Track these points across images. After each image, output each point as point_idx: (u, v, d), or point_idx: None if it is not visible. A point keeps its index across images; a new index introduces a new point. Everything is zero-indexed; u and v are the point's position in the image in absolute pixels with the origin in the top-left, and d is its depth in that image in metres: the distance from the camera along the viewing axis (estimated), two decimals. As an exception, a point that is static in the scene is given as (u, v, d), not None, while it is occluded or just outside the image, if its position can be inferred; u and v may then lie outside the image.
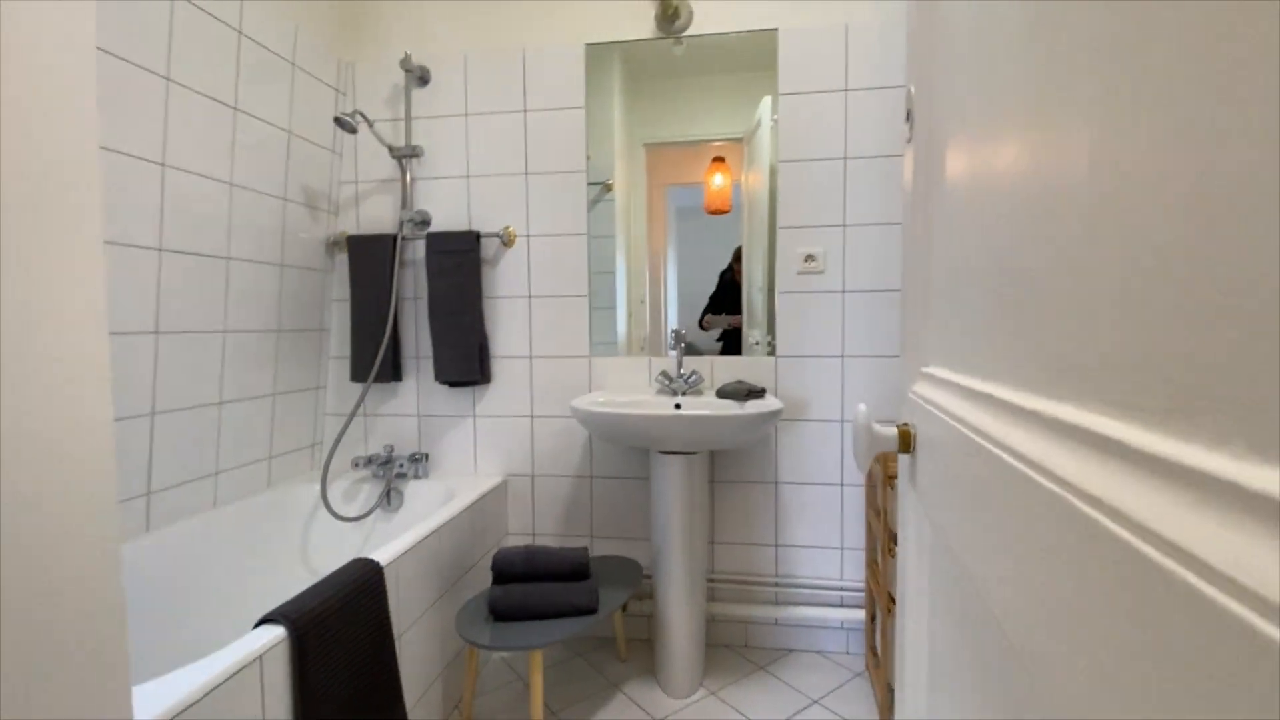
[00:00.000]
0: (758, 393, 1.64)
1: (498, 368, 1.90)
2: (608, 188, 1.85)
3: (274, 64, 1.64)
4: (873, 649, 1.59)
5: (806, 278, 1.75)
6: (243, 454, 1.66)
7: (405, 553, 1.32)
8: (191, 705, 0.78)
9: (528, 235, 1.86)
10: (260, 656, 0.90)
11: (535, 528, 1.90)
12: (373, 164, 1.92)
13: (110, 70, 1.22)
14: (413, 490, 1.85)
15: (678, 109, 1.84)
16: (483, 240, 1.85)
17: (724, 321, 1.87)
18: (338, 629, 1.05)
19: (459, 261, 1.81)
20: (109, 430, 0.60)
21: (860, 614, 1.74)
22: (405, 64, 1.82)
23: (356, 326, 1.87)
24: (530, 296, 1.87)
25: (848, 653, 1.79)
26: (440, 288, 1.82)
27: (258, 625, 0.96)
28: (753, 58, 1.76)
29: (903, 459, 0.56)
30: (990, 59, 0.38)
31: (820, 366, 1.76)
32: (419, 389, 1.94)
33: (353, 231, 1.93)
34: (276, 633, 0.94)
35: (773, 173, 1.76)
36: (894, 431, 0.53)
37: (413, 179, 1.90)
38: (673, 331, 1.76)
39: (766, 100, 1.76)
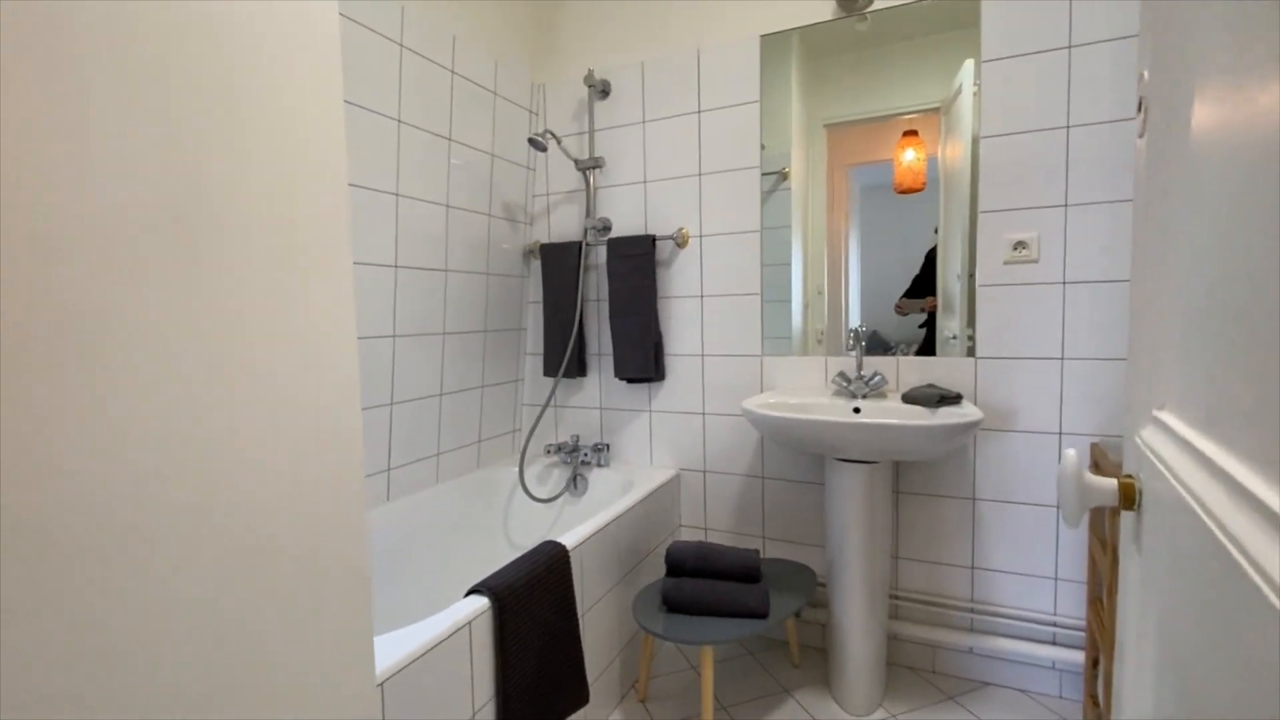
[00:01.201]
0: (951, 399, 1.49)
1: (672, 366, 1.95)
2: (784, 176, 1.79)
3: (479, 95, 1.85)
4: (1093, 696, 1.37)
5: (1016, 268, 1.53)
6: (458, 438, 1.92)
7: (589, 538, 1.43)
8: (417, 659, 0.93)
9: (700, 235, 1.88)
10: (470, 622, 1.04)
11: (707, 522, 1.93)
12: (560, 176, 2.08)
13: (354, 118, 1.48)
14: (596, 477, 1.99)
15: (861, 84, 1.70)
16: (658, 243, 1.91)
17: (919, 305, 1.69)
18: (530, 603, 1.17)
19: (636, 264, 1.90)
20: (358, 418, 0.73)
21: (1077, 655, 1.50)
22: (588, 80, 1.93)
23: (548, 325, 2.05)
24: (702, 296, 1.89)
25: (1060, 696, 1.56)
26: (619, 290, 1.92)
27: (468, 594, 1.12)
28: (950, 18, 1.57)
29: (1125, 516, 0.47)
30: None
31: (1032, 370, 1.53)
32: (601, 384, 2.07)
33: (544, 240, 2.11)
34: (482, 602, 1.09)
35: (974, 143, 1.56)
36: (1113, 485, 0.44)
37: (595, 188, 2.02)
38: (851, 330, 1.66)
39: (968, 65, 1.56)
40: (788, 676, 1.68)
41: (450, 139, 1.76)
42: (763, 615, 1.42)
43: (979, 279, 1.57)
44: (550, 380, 2.13)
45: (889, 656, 1.70)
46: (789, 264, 1.81)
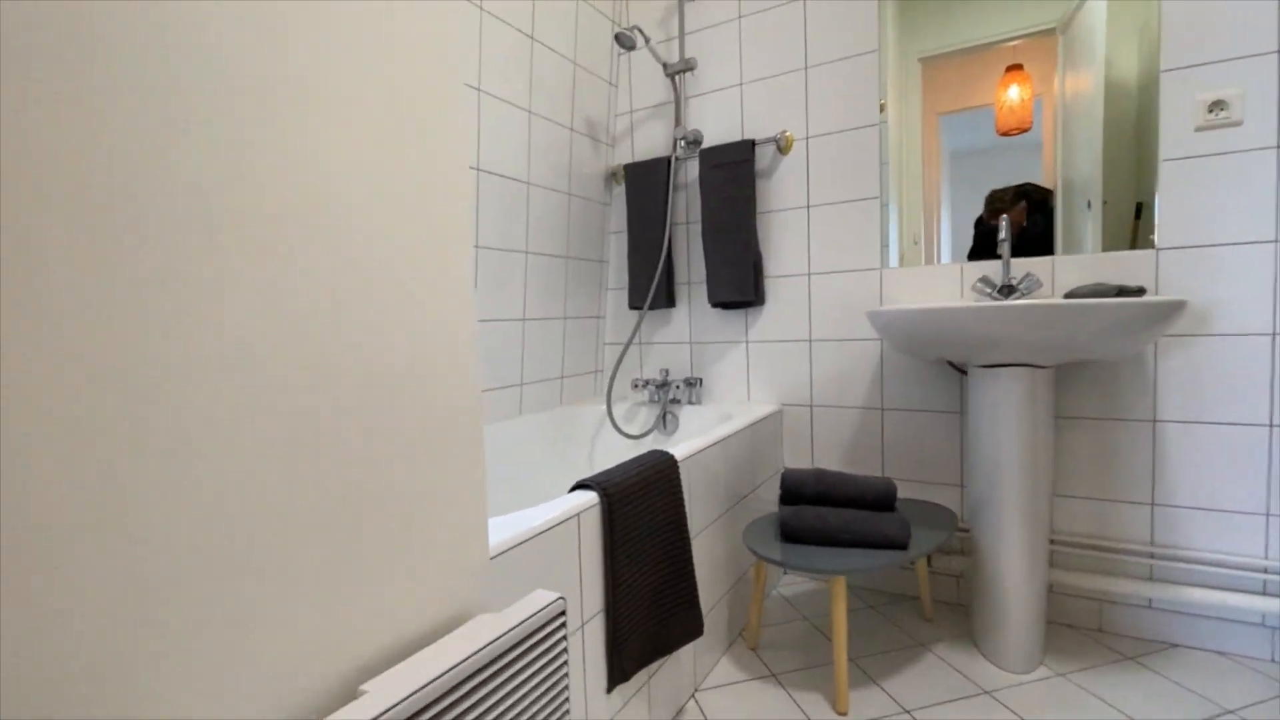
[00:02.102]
0: (1132, 291, 1.23)
1: (772, 289, 1.76)
2: (880, 108, 1.57)
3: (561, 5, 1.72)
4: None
5: (1211, 135, 1.26)
6: (541, 370, 1.79)
7: (695, 454, 1.26)
8: (525, 541, 0.78)
9: (806, 138, 1.68)
10: (579, 514, 0.89)
11: (815, 463, 1.72)
12: (645, 90, 1.93)
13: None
14: (687, 415, 1.82)
15: (959, 7, 1.47)
16: (757, 149, 1.72)
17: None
18: (642, 509, 1.01)
19: (732, 175, 1.71)
20: (474, 342, 0.59)
21: (1304, 610, 1.22)
22: (678, -24, 1.77)
23: (633, 253, 1.89)
24: (809, 206, 1.69)
25: (1274, 660, 1.27)
26: (713, 204, 1.74)
27: (573, 489, 0.96)
28: None
29: None
30: None
31: (1236, 259, 1.26)
32: (691, 315, 1.90)
33: (628, 163, 1.96)
34: (590, 497, 0.93)
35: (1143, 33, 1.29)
36: None
37: (685, 97, 1.85)
38: (990, 224, 1.42)
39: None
40: (920, 630, 1.45)
41: (533, 38, 1.63)
42: (903, 546, 1.21)
43: (1163, 153, 1.30)
44: (635, 315, 1.98)
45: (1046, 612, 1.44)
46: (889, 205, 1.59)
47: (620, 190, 1.97)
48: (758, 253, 1.73)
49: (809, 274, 1.70)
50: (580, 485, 0.96)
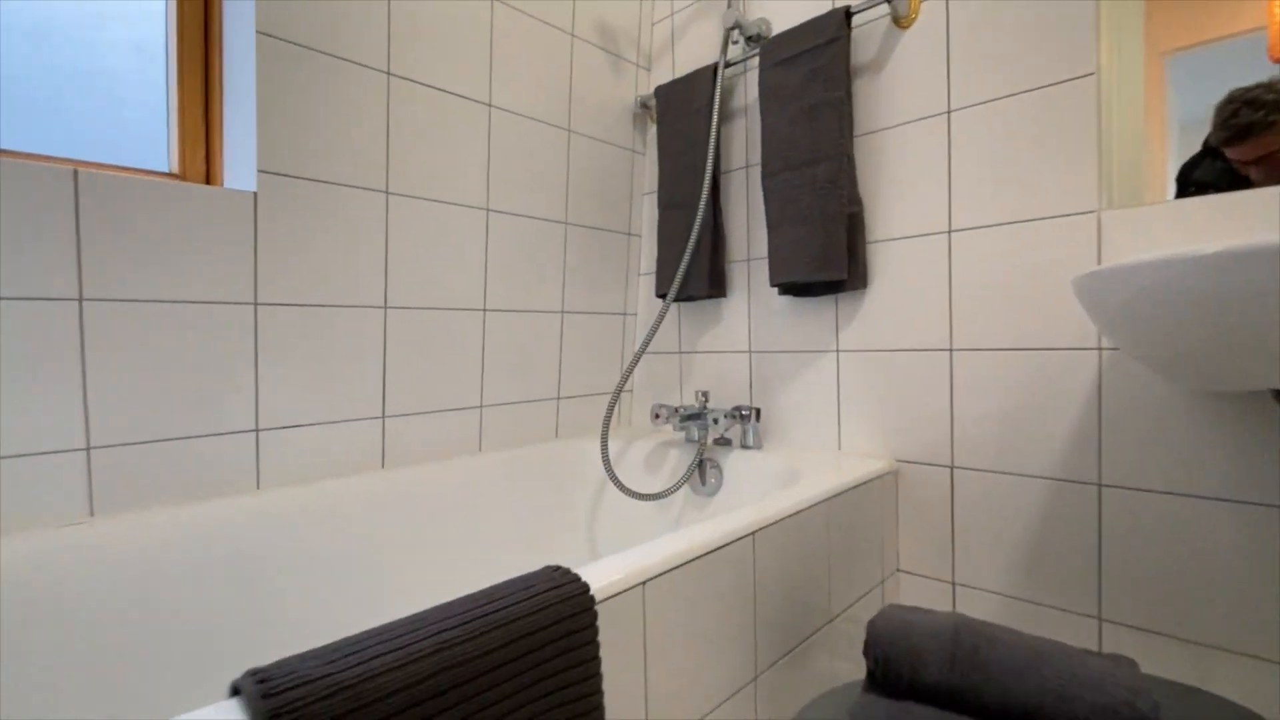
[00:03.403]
0: None
1: (880, 261, 1.04)
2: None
3: None
4: None
5: None
6: (527, 388, 1.21)
7: (668, 571, 0.60)
8: None
9: (947, -8, 0.96)
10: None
11: (957, 571, 0.96)
12: (691, -21, 1.31)
13: None
14: (736, 466, 1.14)
15: None
16: (856, 21, 1.03)
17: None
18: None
19: (810, 72, 1.03)
20: None
21: None
22: None
23: (664, 214, 1.27)
24: (949, 111, 0.96)
25: None
26: (778, 125, 1.07)
27: (231, 693, 0.36)
28: None
29: None
30: None
31: None
32: (751, 309, 1.23)
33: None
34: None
35: None
36: None
37: (743, -29, 1.20)
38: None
39: None
40: None
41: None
42: None
43: None
44: (673, 306, 1.34)
45: None
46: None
47: (655, 133, 1.36)
48: (855, 200, 1.02)
49: (949, 231, 0.96)
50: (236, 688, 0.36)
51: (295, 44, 0.87)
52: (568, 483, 1.25)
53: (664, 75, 1.37)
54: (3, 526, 0.69)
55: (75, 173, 0.72)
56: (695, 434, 1.20)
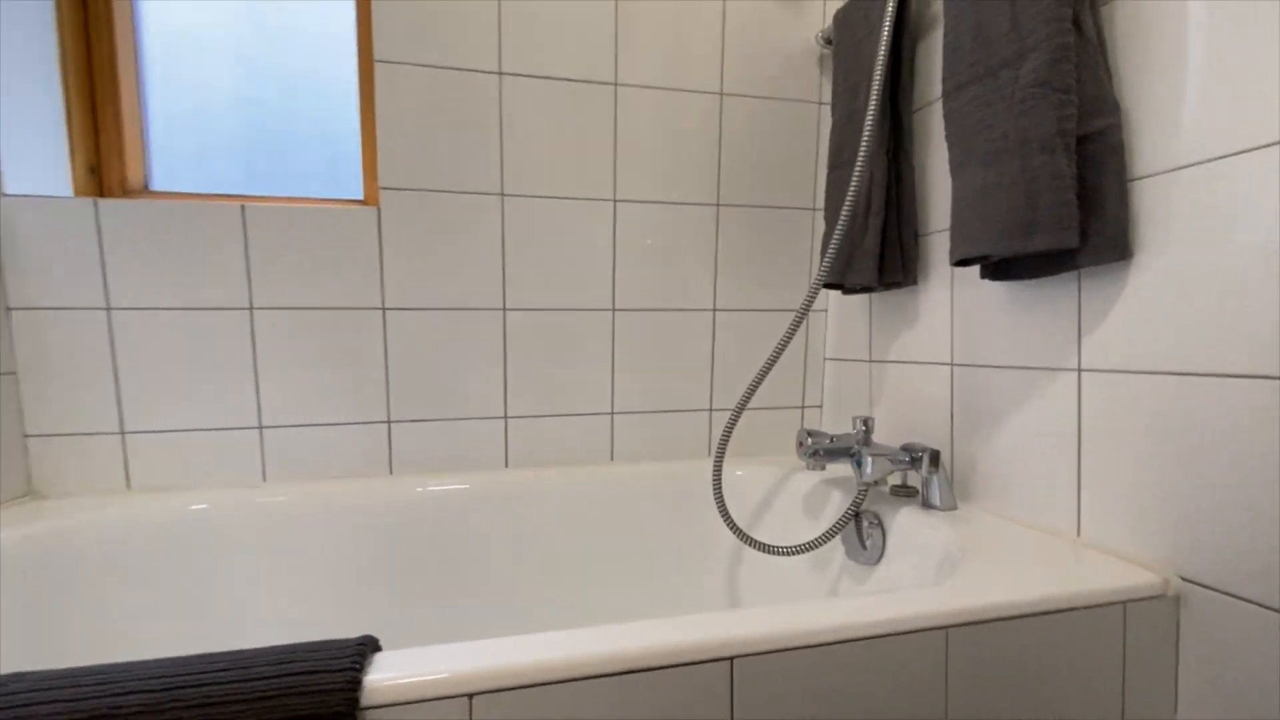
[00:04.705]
0: None
1: (1156, 208, 0.57)
2: None
3: None
4: None
5: None
6: (672, 395, 1.09)
7: (525, 687, 0.42)
8: None
9: None
10: None
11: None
12: None
13: None
14: (903, 528, 0.79)
15: None
16: None
17: None
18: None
19: (1024, -90, 0.63)
20: None
21: None
22: None
23: (831, 175, 0.97)
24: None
25: None
26: (963, 10, 0.69)
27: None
28: None
29: None
30: None
31: None
32: (954, 301, 0.84)
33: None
34: None
35: None
36: None
37: None
38: None
39: None
40: None
41: None
42: None
43: None
44: (863, 298, 1.02)
45: None
46: None
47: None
48: (1098, 109, 0.58)
49: (1316, 135, 0.47)
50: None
51: (410, 64, 0.93)
52: (712, 511, 1.06)
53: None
54: (204, 484, 0.91)
55: (243, 207, 0.90)
56: (863, 475, 0.88)
